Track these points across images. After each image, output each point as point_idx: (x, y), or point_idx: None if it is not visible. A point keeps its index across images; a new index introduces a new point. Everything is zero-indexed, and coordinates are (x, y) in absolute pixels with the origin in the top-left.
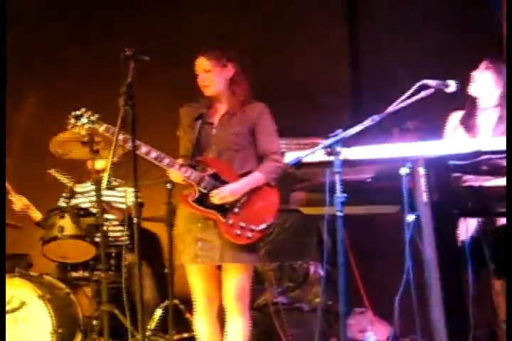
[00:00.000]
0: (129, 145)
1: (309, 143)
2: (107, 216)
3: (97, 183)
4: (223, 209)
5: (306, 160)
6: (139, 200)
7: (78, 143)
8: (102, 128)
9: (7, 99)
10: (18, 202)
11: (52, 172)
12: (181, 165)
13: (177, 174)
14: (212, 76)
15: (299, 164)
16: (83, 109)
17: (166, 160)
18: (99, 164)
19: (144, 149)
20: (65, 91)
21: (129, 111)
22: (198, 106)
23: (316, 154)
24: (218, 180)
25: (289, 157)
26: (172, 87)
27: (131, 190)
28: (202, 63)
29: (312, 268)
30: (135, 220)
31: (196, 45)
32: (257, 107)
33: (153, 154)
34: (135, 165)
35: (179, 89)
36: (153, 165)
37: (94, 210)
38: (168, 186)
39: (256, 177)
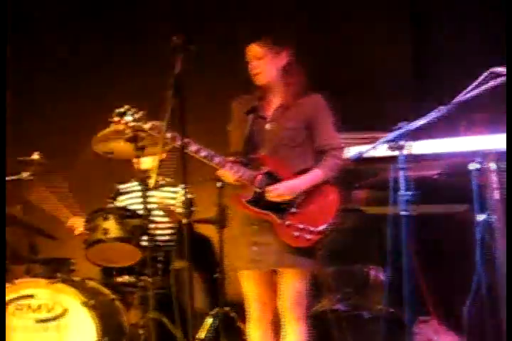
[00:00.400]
0: (177, 143)
1: (370, 138)
2: (154, 217)
3: (143, 183)
4: (279, 209)
5: (367, 155)
6: (189, 196)
7: (121, 140)
8: (147, 126)
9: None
10: (79, 225)
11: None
12: (233, 164)
13: (228, 173)
14: (263, 63)
15: (360, 160)
16: (127, 106)
17: (217, 159)
18: (146, 162)
19: (193, 147)
20: (109, 84)
21: (178, 106)
22: (250, 99)
23: (378, 149)
24: (273, 179)
25: (350, 152)
26: (223, 78)
27: (180, 189)
28: (253, 50)
29: (373, 273)
30: (184, 220)
31: (248, 33)
32: (313, 99)
33: (203, 153)
34: (184, 164)
35: (231, 80)
36: (201, 162)
37: (140, 211)
38: (219, 185)
39: (314, 175)
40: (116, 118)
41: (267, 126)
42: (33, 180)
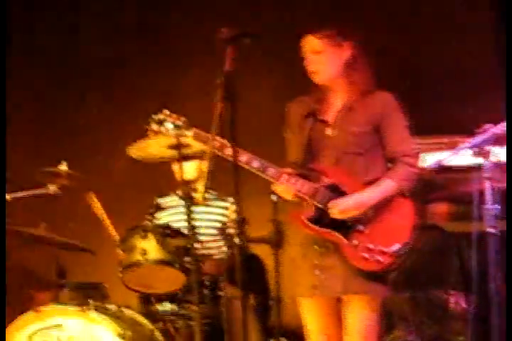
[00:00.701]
0: (227, 153)
1: (450, 142)
2: (200, 236)
3: (187, 196)
4: (345, 227)
5: (447, 163)
6: (242, 216)
7: (162, 147)
8: (190, 134)
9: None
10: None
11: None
12: (290, 176)
13: (285, 187)
14: (323, 58)
15: (438, 169)
16: (166, 111)
17: (271, 170)
18: (189, 172)
19: (244, 157)
20: (141, 87)
21: (228, 109)
22: (308, 101)
23: (460, 156)
24: (337, 192)
25: (427, 160)
26: (276, 77)
27: (229, 204)
28: (310, 43)
29: (453, 300)
30: (237, 240)
31: (304, 23)
32: (382, 98)
33: (255, 163)
34: (236, 175)
35: (285, 79)
36: (251, 173)
37: (184, 229)
38: (274, 198)
39: (386, 186)
40: (154, 127)
41: (329, 132)
42: (60, 195)
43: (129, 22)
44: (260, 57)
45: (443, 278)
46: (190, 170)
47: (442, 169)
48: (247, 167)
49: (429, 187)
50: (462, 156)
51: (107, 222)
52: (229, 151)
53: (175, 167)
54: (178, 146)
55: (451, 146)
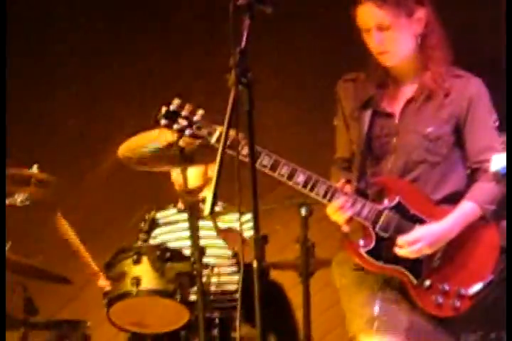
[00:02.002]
0: (244, 153)
1: None
2: (208, 259)
3: (191, 209)
4: (414, 263)
5: None
6: (261, 233)
7: (157, 146)
8: (213, 139)
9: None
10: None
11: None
12: (346, 194)
13: (339, 210)
14: (395, 35)
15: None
16: (177, 101)
17: (323, 188)
18: (192, 180)
19: (284, 170)
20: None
21: (245, 94)
22: (364, 83)
23: None
24: (406, 217)
25: (498, 161)
26: (311, 56)
27: (247, 217)
28: (374, 15)
29: None
30: (255, 264)
31: None
32: (469, 86)
33: (301, 177)
34: (254, 181)
35: (323, 59)
36: (271, 178)
37: (187, 251)
38: (303, 212)
39: (467, 211)
40: (163, 122)
41: (395, 129)
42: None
43: None
44: (283, 30)
45: None
46: (192, 176)
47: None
48: (272, 174)
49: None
50: None
51: (81, 248)
52: (245, 150)
53: (174, 173)
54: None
55: None
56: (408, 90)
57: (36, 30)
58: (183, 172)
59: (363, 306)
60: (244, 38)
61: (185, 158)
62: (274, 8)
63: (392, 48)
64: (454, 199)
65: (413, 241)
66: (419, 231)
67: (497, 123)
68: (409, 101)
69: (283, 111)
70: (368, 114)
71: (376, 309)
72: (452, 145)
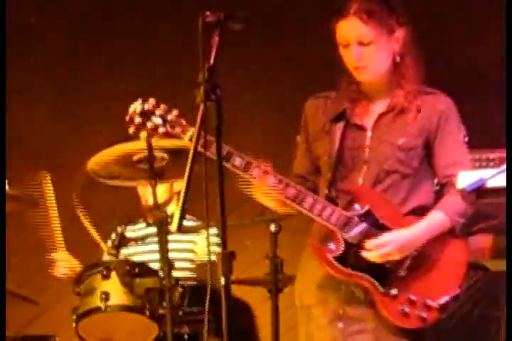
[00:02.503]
0: (235, 165)
1: (497, 158)
2: (177, 273)
3: (161, 224)
4: (381, 271)
5: (492, 184)
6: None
7: (127, 161)
8: (187, 137)
9: None
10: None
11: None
12: (315, 200)
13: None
14: (374, 51)
15: (481, 190)
16: (152, 101)
17: (308, 200)
18: (160, 195)
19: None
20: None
21: (213, 110)
22: (336, 99)
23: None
24: (374, 225)
25: (465, 178)
26: (281, 70)
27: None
28: (357, 30)
29: None
30: (222, 281)
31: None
32: (438, 103)
33: (292, 191)
34: (221, 193)
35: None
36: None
37: (157, 266)
38: (272, 229)
39: (437, 220)
40: (137, 120)
41: (368, 142)
42: None
43: None
44: (254, 46)
45: (488, 334)
46: (159, 192)
47: (485, 192)
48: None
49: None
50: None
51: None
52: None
53: (140, 188)
54: (149, 159)
55: (499, 163)
56: (380, 106)
57: None
58: (153, 188)
59: (324, 329)
60: (213, 55)
61: (155, 174)
62: (244, 25)
63: (370, 64)
64: (421, 213)
65: (381, 244)
66: (388, 236)
67: (466, 139)
68: (381, 116)
69: (269, 117)
70: (340, 127)
71: (340, 330)
72: (422, 160)
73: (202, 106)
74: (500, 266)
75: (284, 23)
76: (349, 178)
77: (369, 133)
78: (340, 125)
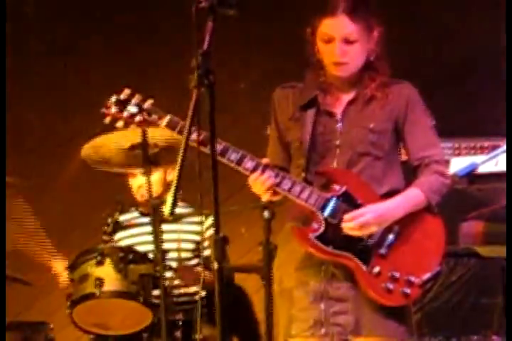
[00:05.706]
0: (207, 149)
1: (488, 146)
2: (171, 262)
3: (154, 211)
4: (363, 249)
5: (484, 170)
6: (222, 234)
7: (121, 147)
8: (164, 122)
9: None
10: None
11: None
12: (294, 182)
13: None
14: (357, 48)
15: (472, 176)
16: (128, 91)
17: (287, 182)
18: (154, 186)
19: (232, 155)
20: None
21: (206, 95)
22: (304, 88)
23: (500, 161)
24: (351, 204)
25: (457, 164)
26: (270, 60)
27: (210, 221)
28: (345, 27)
29: None
30: (216, 265)
31: None
32: (401, 89)
33: (269, 173)
34: (215, 180)
35: (275, 63)
36: (241, 181)
37: (151, 253)
38: (266, 215)
39: (413, 197)
40: (113, 109)
41: (339, 127)
42: None
43: None
44: (247, 33)
45: (483, 320)
46: (152, 177)
47: (476, 177)
48: (237, 168)
49: (461, 200)
50: (503, 162)
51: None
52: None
53: (135, 184)
54: (143, 144)
55: (490, 151)
56: (350, 95)
57: None
58: (147, 175)
59: (306, 310)
60: (206, 40)
61: (149, 160)
62: (237, 10)
63: (352, 61)
64: (394, 196)
65: (360, 214)
66: (365, 207)
67: (433, 123)
68: (350, 103)
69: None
70: (310, 114)
71: (322, 311)
72: (393, 145)
73: (195, 92)
74: (491, 251)
75: (283, 9)
76: (322, 163)
77: (339, 119)
78: (311, 112)
